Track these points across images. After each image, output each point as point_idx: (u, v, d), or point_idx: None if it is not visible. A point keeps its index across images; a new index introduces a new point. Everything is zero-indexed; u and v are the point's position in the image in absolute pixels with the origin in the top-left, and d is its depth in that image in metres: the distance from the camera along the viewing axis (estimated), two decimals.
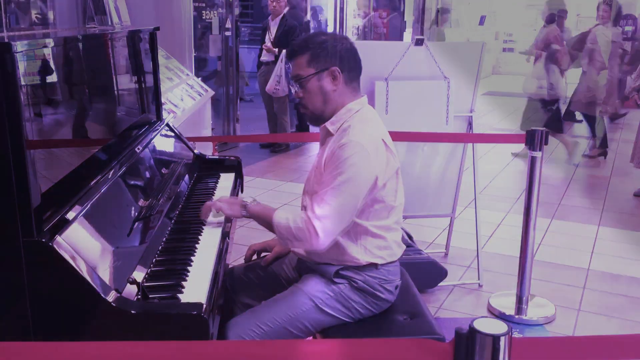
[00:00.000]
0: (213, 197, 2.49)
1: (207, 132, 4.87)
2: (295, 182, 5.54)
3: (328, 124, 2.00)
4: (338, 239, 1.93)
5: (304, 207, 2.08)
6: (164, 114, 2.93)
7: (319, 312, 1.98)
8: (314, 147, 6.78)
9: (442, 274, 3.40)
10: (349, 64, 1.99)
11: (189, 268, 1.81)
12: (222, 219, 2.16)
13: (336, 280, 2.00)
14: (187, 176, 2.57)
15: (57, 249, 1.44)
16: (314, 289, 1.99)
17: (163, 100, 3.05)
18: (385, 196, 1.96)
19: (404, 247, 2.12)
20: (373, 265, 2.01)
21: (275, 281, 2.20)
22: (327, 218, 1.84)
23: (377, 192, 1.93)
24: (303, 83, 1.97)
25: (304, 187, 2.14)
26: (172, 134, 2.76)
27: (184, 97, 3.71)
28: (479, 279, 3.52)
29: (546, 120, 6.33)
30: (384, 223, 2.00)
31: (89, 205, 1.68)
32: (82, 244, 1.54)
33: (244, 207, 2.02)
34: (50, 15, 3.53)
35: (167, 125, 2.76)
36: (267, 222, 1.96)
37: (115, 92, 2.30)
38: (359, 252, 1.98)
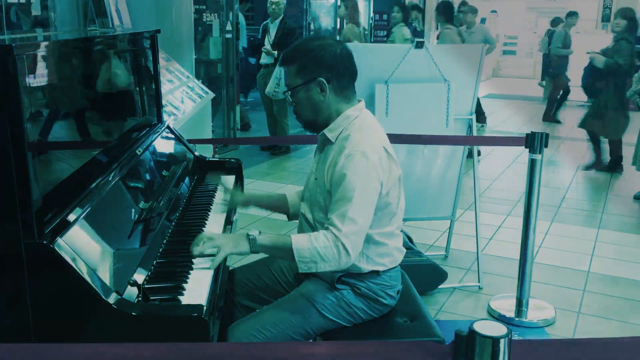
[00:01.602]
0: (213, 199, 2.49)
1: (208, 135, 4.87)
2: (295, 185, 5.54)
3: (326, 132, 1.98)
4: None
5: (302, 215, 2.08)
6: (165, 117, 2.93)
7: (321, 318, 1.98)
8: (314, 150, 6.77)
9: (442, 276, 3.40)
10: (338, 71, 1.94)
11: (189, 270, 1.82)
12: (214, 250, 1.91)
13: (338, 286, 1.99)
14: (187, 178, 2.57)
15: (58, 250, 1.45)
16: (317, 294, 1.99)
17: (164, 102, 3.05)
18: (388, 203, 1.95)
19: (405, 251, 2.12)
20: (375, 273, 2.01)
21: (276, 284, 2.20)
22: (356, 235, 1.82)
23: (380, 200, 1.92)
24: (293, 93, 1.96)
25: (302, 194, 2.13)
26: (173, 137, 2.76)
27: (184, 99, 3.71)
28: (479, 282, 3.52)
29: None
30: (387, 230, 1.99)
31: (90, 208, 1.68)
32: (83, 246, 1.55)
33: (252, 240, 1.88)
34: (52, 17, 3.54)
35: (168, 127, 2.76)
36: (283, 249, 1.87)
37: (116, 94, 2.30)
38: (361, 261, 1.98)
